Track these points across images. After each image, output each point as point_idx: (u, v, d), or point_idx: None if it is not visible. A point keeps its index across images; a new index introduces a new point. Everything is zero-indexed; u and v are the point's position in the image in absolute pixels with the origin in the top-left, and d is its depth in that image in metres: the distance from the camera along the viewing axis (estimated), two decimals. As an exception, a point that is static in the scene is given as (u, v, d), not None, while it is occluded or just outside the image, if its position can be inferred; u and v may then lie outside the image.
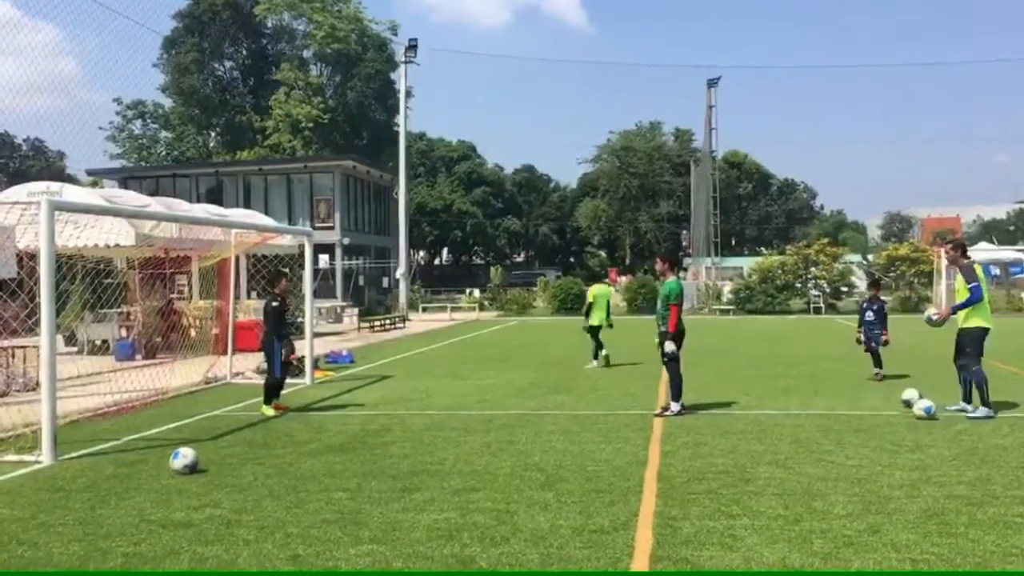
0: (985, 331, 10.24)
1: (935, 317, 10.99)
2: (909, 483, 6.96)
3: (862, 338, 14.20)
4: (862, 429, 9.38)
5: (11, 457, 8.39)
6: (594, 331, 16.74)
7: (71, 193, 17.15)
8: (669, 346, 10.60)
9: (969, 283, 10.16)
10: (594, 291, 17.39)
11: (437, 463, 8.03)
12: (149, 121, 65.97)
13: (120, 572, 5.19)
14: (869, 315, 14.24)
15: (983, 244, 54.62)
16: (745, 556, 5.25)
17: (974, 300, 10.10)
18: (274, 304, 11.49)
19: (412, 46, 41.37)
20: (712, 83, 49.69)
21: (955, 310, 10.34)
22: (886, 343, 13.99)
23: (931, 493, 6.63)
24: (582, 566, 5.12)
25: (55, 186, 18.34)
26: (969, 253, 10.92)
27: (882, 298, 14.92)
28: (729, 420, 10.16)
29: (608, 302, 17.07)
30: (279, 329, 11.42)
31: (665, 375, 11.05)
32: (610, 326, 17.04)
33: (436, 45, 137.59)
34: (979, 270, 10.45)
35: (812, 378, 13.98)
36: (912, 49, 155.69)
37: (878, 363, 13.91)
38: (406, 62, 41.95)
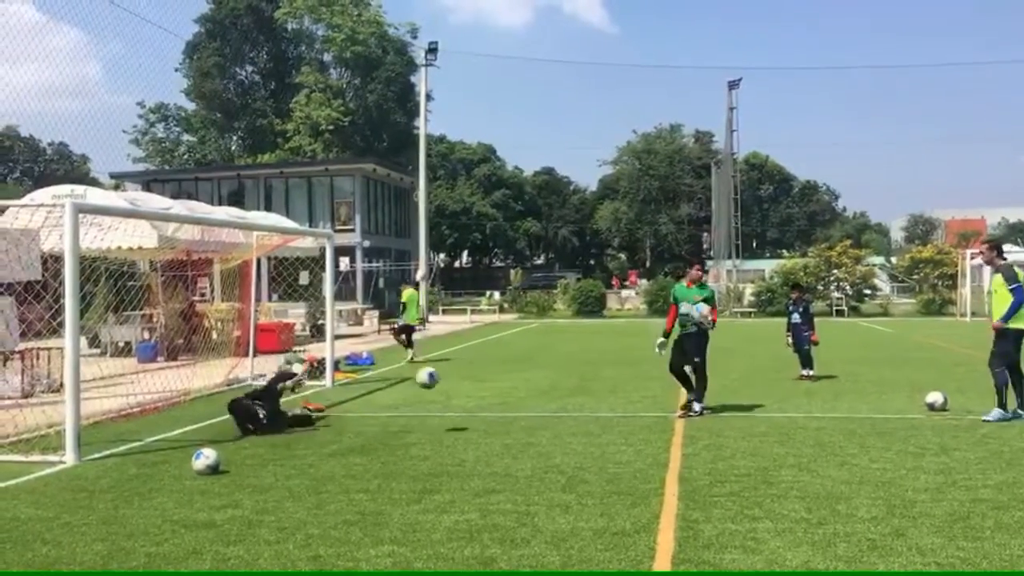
0: (1021, 332, 10.02)
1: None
2: (934, 486, 6.88)
3: (790, 341, 14.46)
4: (886, 432, 9.29)
5: (35, 457, 8.46)
6: (409, 329, 19.12)
7: (95, 196, 17.29)
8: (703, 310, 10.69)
9: (1011, 284, 9.91)
10: (407, 294, 19.64)
11: (457, 464, 8.02)
12: (172, 124, 66.52)
13: (143, 573, 5.21)
14: (796, 317, 14.41)
15: (1009, 246, 54.01)
16: (768, 559, 5.20)
17: (1020, 302, 9.83)
18: (277, 386, 10.51)
19: (432, 49, 41.42)
20: (733, 85, 49.44)
21: (1006, 319, 9.92)
22: (815, 343, 14.26)
23: (956, 496, 6.55)
24: (604, 568, 5.10)
25: (79, 189, 18.49)
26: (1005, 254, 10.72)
27: (806, 298, 15.15)
28: (751, 422, 10.10)
29: (417, 304, 19.58)
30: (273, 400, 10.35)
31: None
32: (421, 323, 20.16)
33: (455, 46, 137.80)
34: (1019, 271, 10.24)
35: (834, 380, 13.86)
36: (936, 49, 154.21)
37: (808, 363, 14.15)
38: (426, 65, 42.03)
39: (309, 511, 6.46)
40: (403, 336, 19.45)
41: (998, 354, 10.05)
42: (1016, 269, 10.21)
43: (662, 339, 10.96)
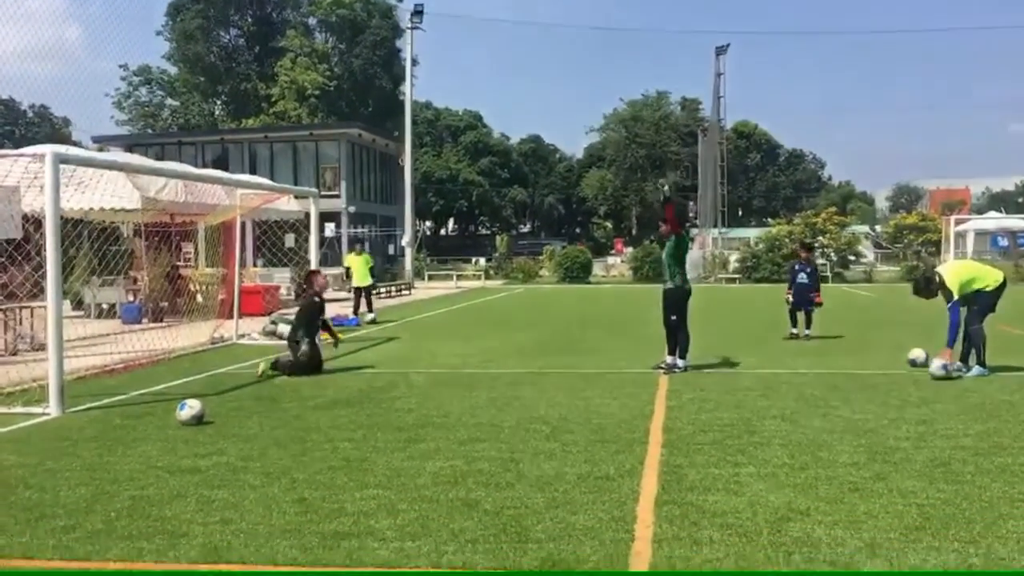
0: (995, 291, 10.09)
1: (944, 368, 9.79)
2: (916, 435, 6.94)
3: (790, 299, 14.48)
4: (869, 386, 9.37)
5: (18, 409, 8.42)
6: (359, 291, 19.59)
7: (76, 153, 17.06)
8: (665, 184, 11.13)
9: (947, 303, 9.96)
10: (348, 260, 20.52)
11: (442, 416, 8.04)
12: (155, 88, 65.76)
13: (117, 573, 5.19)
14: (803, 277, 14.54)
15: (992, 212, 54.32)
16: (750, 500, 5.24)
17: (954, 324, 9.81)
18: (315, 300, 11.38)
19: (418, 11, 41.02)
20: (720, 50, 49.30)
21: (951, 343, 9.85)
22: (819, 304, 14.46)
23: (938, 444, 6.61)
24: (587, 510, 5.12)
25: (60, 149, 18.23)
26: (937, 269, 10.67)
27: (815, 260, 15.27)
28: (735, 378, 10.16)
29: (366, 266, 19.77)
30: (310, 326, 11.14)
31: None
32: (374, 287, 20.68)
33: (442, 11, 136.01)
34: (950, 274, 10.14)
35: (819, 341, 13.94)
36: (926, 15, 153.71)
37: (808, 324, 14.27)
38: (412, 28, 41.66)
39: (294, 458, 6.47)
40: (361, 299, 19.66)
41: (977, 311, 10.12)
42: (948, 275, 10.10)
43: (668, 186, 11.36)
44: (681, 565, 4.23)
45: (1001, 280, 10.19)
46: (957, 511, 5.01)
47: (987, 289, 10.08)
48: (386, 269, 42.77)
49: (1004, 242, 43.79)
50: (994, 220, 44.23)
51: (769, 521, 4.85)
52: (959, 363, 10.22)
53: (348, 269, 20.35)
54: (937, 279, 10.20)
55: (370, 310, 19.40)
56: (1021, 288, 27.79)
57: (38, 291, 11.59)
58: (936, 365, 9.83)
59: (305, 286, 12.08)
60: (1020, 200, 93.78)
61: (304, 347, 10.93)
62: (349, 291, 21.20)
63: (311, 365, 10.87)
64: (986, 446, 6.55)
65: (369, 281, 19.87)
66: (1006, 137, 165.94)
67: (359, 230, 44.38)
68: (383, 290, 31.25)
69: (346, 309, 19.58)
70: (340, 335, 16.24)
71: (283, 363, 10.85)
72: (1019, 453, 6.31)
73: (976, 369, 10.00)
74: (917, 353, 10.71)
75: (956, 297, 9.90)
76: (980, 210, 77.13)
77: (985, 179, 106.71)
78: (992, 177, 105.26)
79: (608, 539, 4.60)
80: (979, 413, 7.83)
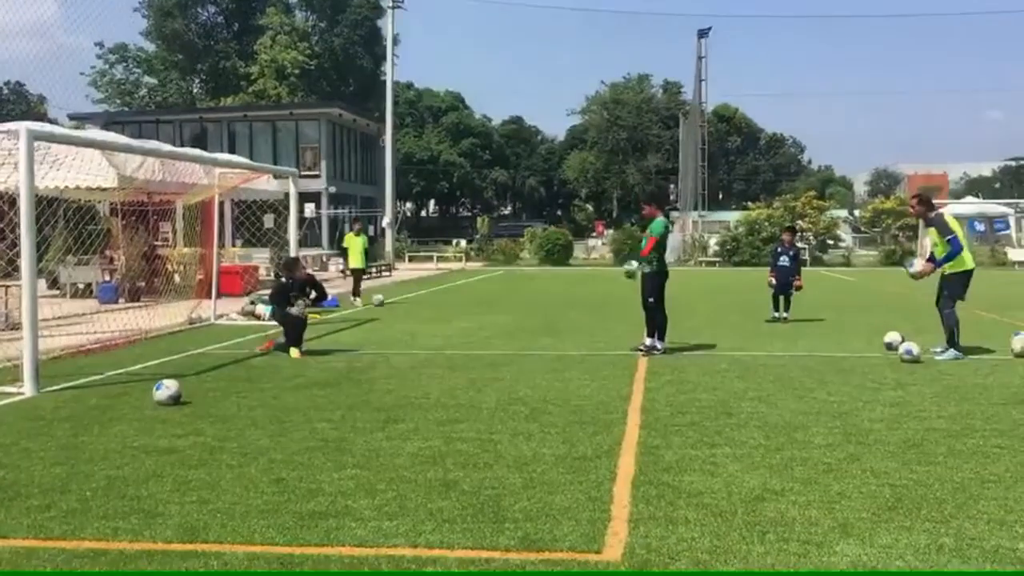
0: (966, 274, 10.27)
1: (914, 269, 10.77)
2: (890, 417, 7.02)
3: (773, 281, 14.57)
4: (844, 369, 9.46)
5: (-8, 389, 8.35)
6: (356, 273, 19.52)
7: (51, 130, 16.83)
8: (631, 265, 11.32)
9: (946, 236, 10.19)
10: (346, 240, 20.29)
11: (422, 397, 8.04)
12: (132, 66, 64.90)
13: None
14: (784, 260, 14.58)
15: (969, 198, 54.75)
16: (726, 481, 5.29)
17: (955, 252, 10.11)
18: (281, 280, 11.61)
19: (399, -10, 40.71)
20: (703, 34, 49.21)
21: (939, 265, 10.30)
22: (799, 288, 14.53)
23: (911, 426, 6.69)
24: (565, 490, 5.14)
25: (35, 126, 17.98)
26: (936, 204, 11.00)
27: (798, 244, 15.34)
28: (713, 360, 10.22)
29: (362, 248, 19.77)
30: (281, 301, 11.22)
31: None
32: (366, 270, 20.86)
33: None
34: (952, 220, 10.49)
35: (797, 324, 14.03)
36: (906, 0, 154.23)
37: (787, 307, 14.38)
38: (393, 7, 41.32)
39: (272, 438, 6.45)
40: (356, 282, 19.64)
41: (948, 296, 10.27)
42: (948, 218, 10.49)
43: (633, 263, 11.29)
44: (657, 544, 4.26)
45: (971, 267, 10.35)
46: (929, 491, 5.08)
47: (957, 270, 10.22)
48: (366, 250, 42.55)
49: (981, 227, 44.10)
50: (971, 205, 44.61)
51: (744, 501, 4.89)
52: (942, 344, 10.36)
53: (346, 249, 20.20)
54: (939, 213, 10.67)
55: (355, 295, 19.29)
56: (998, 273, 28.18)
57: (12, 270, 11.45)
58: (904, 348, 9.99)
59: (283, 273, 12.24)
60: (997, 186, 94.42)
61: (290, 310, 11.02)
62: (345, 273, 21.22)
63: (299, 324, 11.03)
64: (959, 428, 6.63)
65: (363, 264, 19.82)
66: (984, 123, 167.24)
67: (339, 210, 44.18)
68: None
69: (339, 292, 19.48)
70: (318, 316, 16.29)
71: (286, 342, 10.99)
72: (991, 435, 6.39)
73: (950, 352, 10.11)
74: (893, 336, 10.81)
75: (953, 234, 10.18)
76: (958, 195, 77.63)
77: (963, 164, 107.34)
78: (970, 162, 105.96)
79: (585, 519, 4.62)
80: (953, 396, 7.92)
